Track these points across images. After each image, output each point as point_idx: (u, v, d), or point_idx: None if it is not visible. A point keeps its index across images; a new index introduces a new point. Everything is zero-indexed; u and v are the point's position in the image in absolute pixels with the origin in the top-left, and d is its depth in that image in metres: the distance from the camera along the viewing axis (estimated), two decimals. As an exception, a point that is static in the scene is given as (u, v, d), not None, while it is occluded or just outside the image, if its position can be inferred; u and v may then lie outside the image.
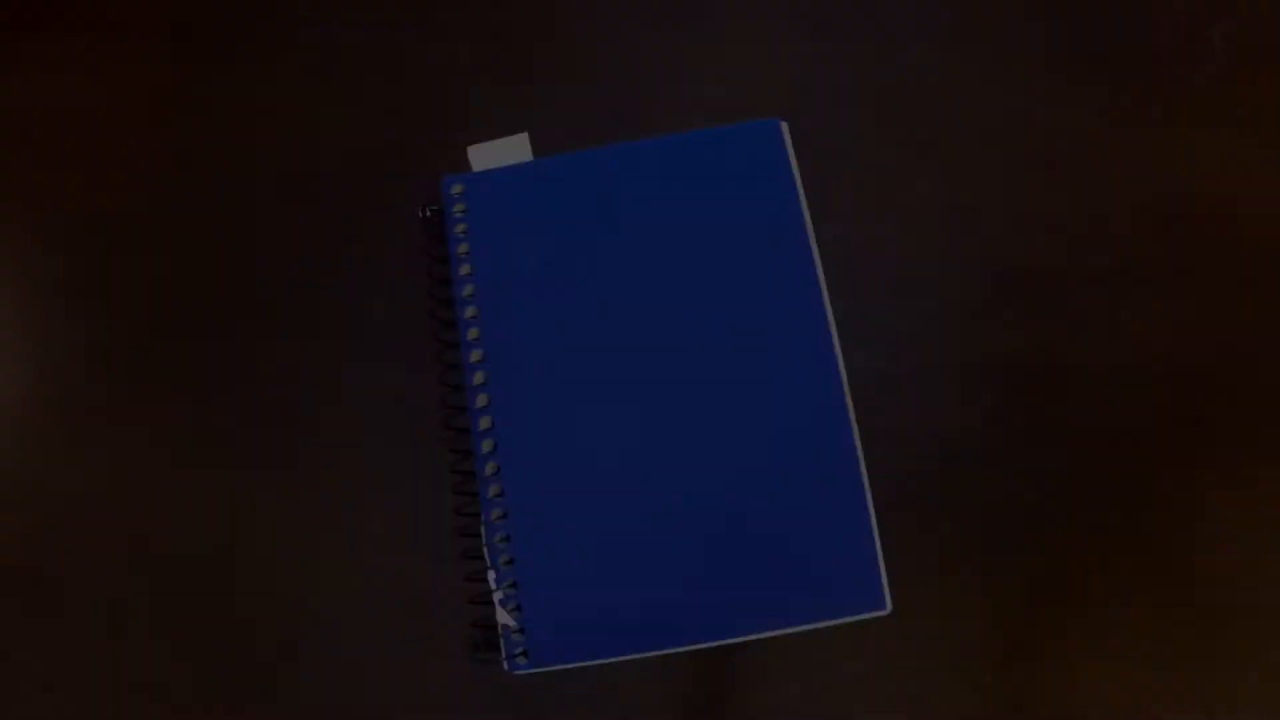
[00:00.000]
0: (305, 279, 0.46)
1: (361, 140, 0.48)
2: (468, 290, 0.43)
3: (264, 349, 0.45)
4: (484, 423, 0.42)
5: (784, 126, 0.44)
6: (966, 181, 0.46)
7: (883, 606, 0.40)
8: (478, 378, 0.42)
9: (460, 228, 0.43)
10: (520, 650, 0.39)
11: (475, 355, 0.42)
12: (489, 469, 0.41)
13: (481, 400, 0.42)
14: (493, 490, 0.41)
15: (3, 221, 0.48)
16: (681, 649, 0.39)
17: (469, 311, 0.43)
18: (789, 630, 0.39)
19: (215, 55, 0.49)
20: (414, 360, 0.40)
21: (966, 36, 0.48)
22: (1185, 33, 0.47)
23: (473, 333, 0.42)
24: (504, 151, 0.46)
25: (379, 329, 0.45)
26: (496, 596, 0.40)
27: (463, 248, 0.43)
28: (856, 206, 0.46)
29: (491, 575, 0.40)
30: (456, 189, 0.44)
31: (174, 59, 0.49)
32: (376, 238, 0.46)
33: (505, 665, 0.39)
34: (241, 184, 0.47)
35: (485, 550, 0.40)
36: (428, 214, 0.45)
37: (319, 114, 0.48)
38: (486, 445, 0.41)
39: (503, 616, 0.40)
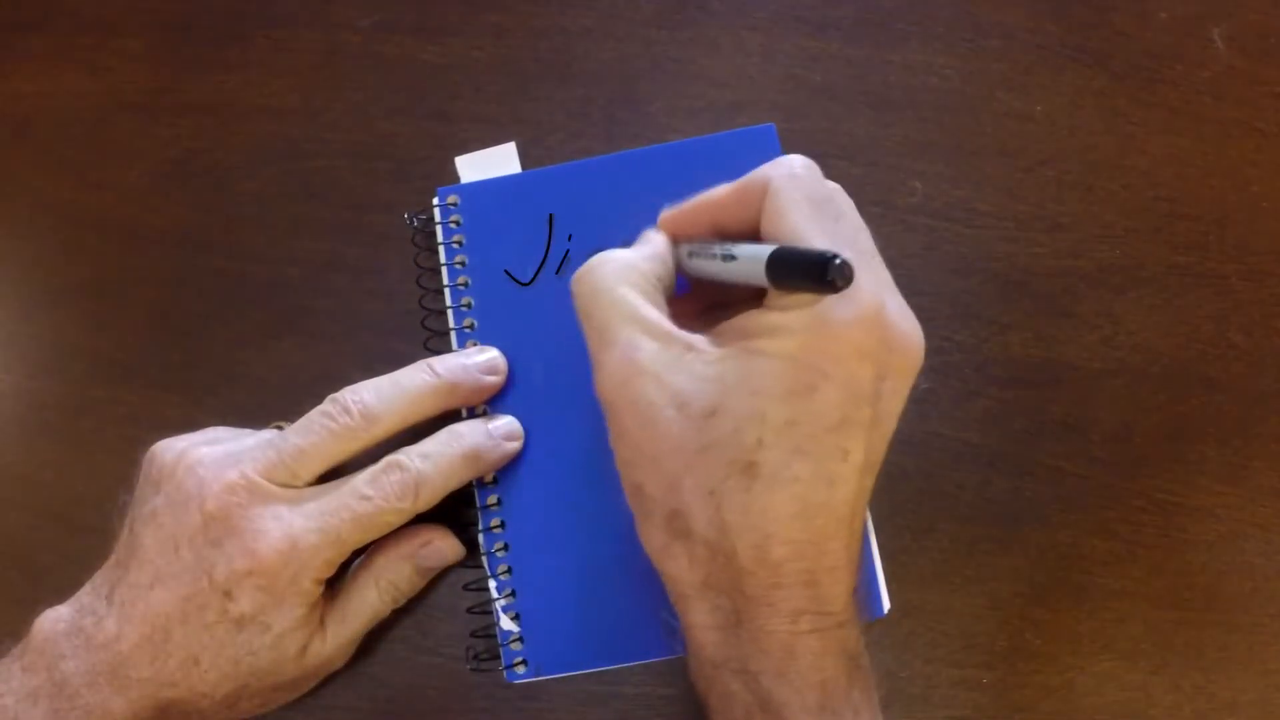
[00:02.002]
0: (305, 279, 0.44)
1: (360, 140, 0.46)
2: (465, 300, 0.41)
3: (263, 349, 0.44)
4: (482, 430, 0.40)
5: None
6: (966, 181, 0.44)
7: (880, 611, 0.39)
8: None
9: (457, 238, 0.41)
10: (519, 659, 0.38)
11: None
12: (487, 477, 0.39)
13: (480, 409, 0.40)
14: (490, 499, 0.39)
15: (2, 221, 0.47)
16: (681, 655, 0.38)
17: (466, 321, 0.41)
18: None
19: (214, 55, 0.47)
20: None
21: (967, 36, 0.46)
22: (1185, 33, 0.46)
23: (471, 344, 0.40)
24: (491, 160, 0.44)
25: (379, 329, 0.44)
26: (495, 605, 0.38)
27: (460, 258, 0.41)
28: (856, 206, 0.44)
29: (491, 584, 0.38)
30: (452, 199, 0.42)
31: (173, 59, 0.47)
32: (376, 238, 0.44)
33: (504, 674, 0.38)
34: (240, 183, 0.46)
35: (484, 559, 0.39)
36: (415, 223, 0.43)
37: (317, 114, 0.46)
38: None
39: (502, 625, 0.38)
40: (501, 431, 0.38)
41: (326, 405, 0.36)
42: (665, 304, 0.32)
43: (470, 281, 0.41)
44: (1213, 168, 0.44)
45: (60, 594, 0.37)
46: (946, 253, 0.44)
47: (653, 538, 0.31)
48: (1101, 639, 0.41)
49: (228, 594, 0.34)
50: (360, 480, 0.36)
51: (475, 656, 0.39)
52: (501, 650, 0.38)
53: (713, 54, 0.46)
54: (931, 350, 0.42)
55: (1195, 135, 0.45)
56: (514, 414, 0.39)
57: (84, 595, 0.36)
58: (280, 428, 0.39)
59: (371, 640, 0.40)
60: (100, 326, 0.45)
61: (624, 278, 0.32)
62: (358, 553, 0.37)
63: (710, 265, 0.32)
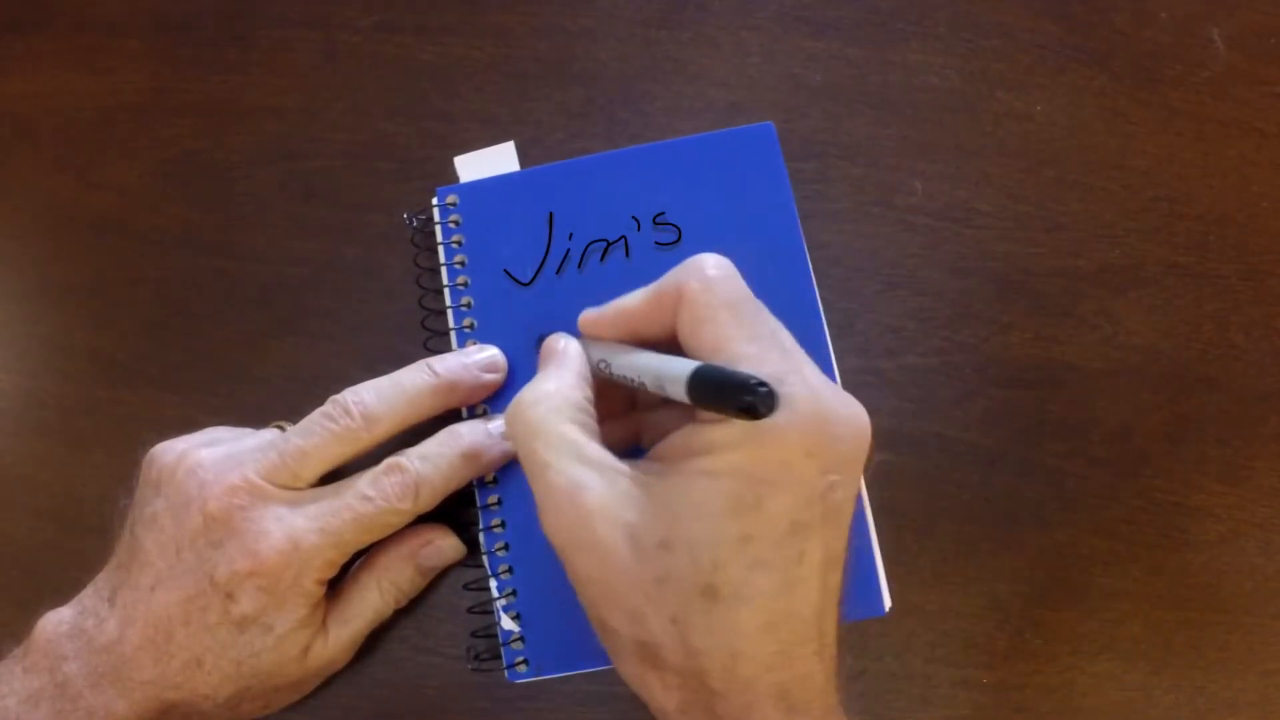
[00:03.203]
0: (305, 279, 0.44)
1: (360, 140, 0.45)
2: (465, 300, 0.40)
3: (263, 349, 0.44)
4: (482, 428, 0.39)
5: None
6: (966, 181, 0.44)
7: (881, 610, 0.38)
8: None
9: (456, 238, 0.41)
10: (520, 659, 0.37)
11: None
12: (487, 477, 0.38)
13: (479, 409, 0.39)
14: (491, 499, 0.39)
15: (2, 221, 0.46)
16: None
17: (466, 321, 0.40)
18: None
19: (214, 55, 0.47)
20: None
21: (966, 36, 0.45)
22: (1185, 33, 0.45)
23: (470, 344, 0.40)
24: (491, 160, 0.44)
25: (379, 329, 0.43)
26: (496, 605, 0.38)
27: (459, 258, 0.41)
28: (855, 206, 0.44)
29: (491, 584, 0.38)
30: (451, 199, 0.41)
31: (171, 59, 0.47)
32: (376, 238, 0.44)
33: (505, 674, 0.37)
34: (240, 183, 0.45)
35: (484, 559, 0.38)
36: (415, 223, 0.43)
37: (317, 114, 0.46)
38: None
39: (502, 625, 0.38)
40: (501, 431, 0.38)
41: (327, 407, 0.36)
42: (598, 428, 0.32)
43: (470, 281, 0.40)
44: (1213, 168, 0.44)
45: (60, 595, 0.37)
46: (946, 253, 0.43)
47: (627, 669, 0.31)
48: (1101, 639, 0.40)
49: (229, 595, 0.34)
50: (361, 481, 0.35)
51: (476, 656, 0.39)
52: (502, 650, 0.38)
53: (713, 54, 0.46)
54: (932, 350, 0.43)
55: (1195, 135, 0.44)
56: (514, 414, 0.39)
57: (85, 597, 0.36)
58: (282, 428, 0.38)
59: (372, 640, 0.40)
60: (100, 326, 0.45)
61: (562, 413, 0.31)
62: (359, 554, 0.37)
63: (629, 380, 0.32)
